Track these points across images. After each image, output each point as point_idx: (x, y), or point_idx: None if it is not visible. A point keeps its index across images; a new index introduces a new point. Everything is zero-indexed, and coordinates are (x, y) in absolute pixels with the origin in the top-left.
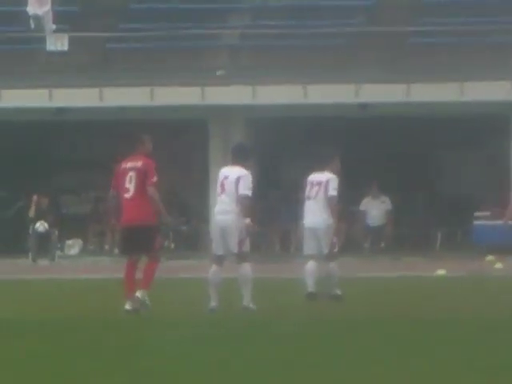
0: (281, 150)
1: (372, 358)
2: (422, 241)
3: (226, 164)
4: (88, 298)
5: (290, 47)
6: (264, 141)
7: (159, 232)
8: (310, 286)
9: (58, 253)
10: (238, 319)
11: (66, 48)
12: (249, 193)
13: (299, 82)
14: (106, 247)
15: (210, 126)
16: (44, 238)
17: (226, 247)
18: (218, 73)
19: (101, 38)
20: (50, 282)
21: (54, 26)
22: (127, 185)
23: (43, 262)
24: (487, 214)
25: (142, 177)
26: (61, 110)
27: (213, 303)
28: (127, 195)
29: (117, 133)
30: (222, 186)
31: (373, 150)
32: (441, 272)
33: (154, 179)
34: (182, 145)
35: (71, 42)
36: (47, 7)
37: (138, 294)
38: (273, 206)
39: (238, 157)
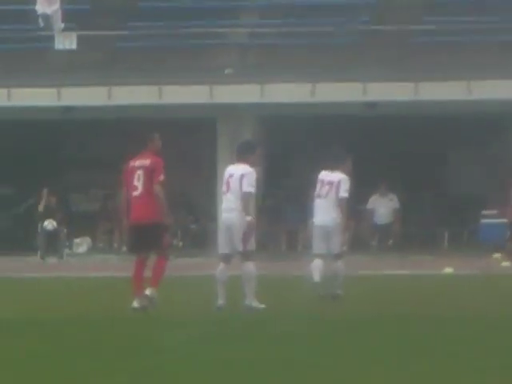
0: (289, 149)
1: (376, 357)
2: (429, 239)
3: (233, 162)
4: (95, 297)
5: (298, 46)
6: (272, 139)
7: (168, 230)
8: (316, 276)
9: (67, 251)
10: (242, 318)
11: (74, 47)
12: (251, 190)
13: (307, 81)
14: (115, 245)
15: (219, 125)
16: (52, 236)
17: (231, 245)
18: (227, 71)
19: (109, 37)
20: (58, 280)
21: (62, 25)
22: (136, 183)
23: (52, 260)
24: (494, 212)
25: (150, 175)
26: (69, 109)
27: (220, 301)
28: (136, 193)
29: (125, 131)
30: (228, 184)
31: (380, 149)
32: (448, 270)
33: (161, 177)
34: (190, 143)
35: (80, 40)
36: (56, 6)
37: (148, 291)
38: (280, 205)
39: (242, 153)
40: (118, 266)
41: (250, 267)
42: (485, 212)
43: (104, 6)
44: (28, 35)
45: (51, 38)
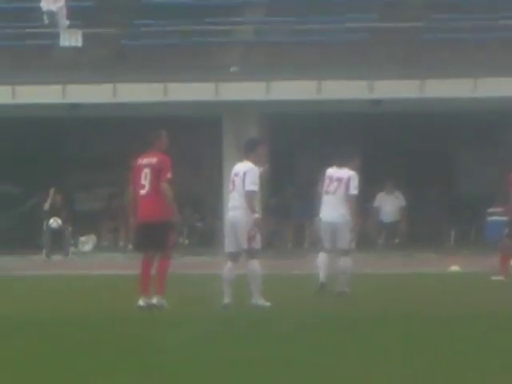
0: (294, 146)
1: (380, 356)
2: (435, 237)
3: (239, 160)
4: (99, 295)
5: (304, 43)
6: (277, 137)
7: (173, 229)
8: (322, 277)
9: (72, 249)
10: (248, 316)
11: (79, 44)
12: (254, 188)
13: (313, 78)
14: (120, 243)
15: (224, 122)
16: (58, 234)
17: (237, 243)
18: (232, 69)
19: (115, 34)
20: (63, 278)
21: (67, 22)
22: (143, 181)
23: (57, 258)
24: (501, 210)
25: (157, 173)
26: (74, 106)
27: (226, 300)
28: (143, 191)
29: (130, 129)
30: (233, 182)
31: (386, 146)
32: (454, 268)
33: (168, 175)
34: (195, 141)
35: (85, 37)
36: (61, 3)
37: (155, 300)
38: (286, 202)
39: (246, 151)
40: (123, 264)
41: (255, 265)
42: (491, 210)
43: (109, 4)
44: (33, 32)
45: (56, 36)
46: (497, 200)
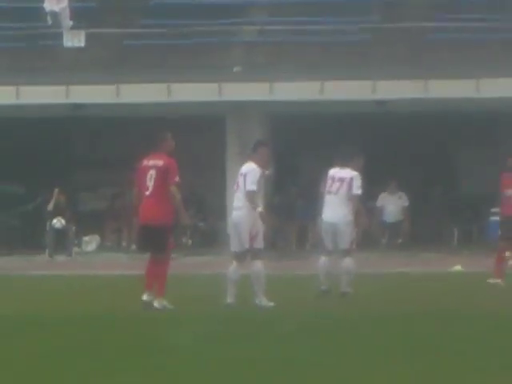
0: (298, 146)
1: (381, 356)
2: (438, 237)
3: (242, 160)
4: (102, 295)
5: (307, 43)
6: (280, 137)
7: (172, 233)
8: (323, 283)
9: (75, 249)
10: (250, 316)
11: (82, 44)
12: (253, 187)
13: (316, 79)
14: (123, 244)
15: (227, 123)
16: (61, 234)
17: (240, 243)
18: (235, 69)
19: (118, 35)
20: (66, 278)
21: (70, 23)
22: (148, 183)
23: (60, 258)
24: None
25: (163, 176)
26: (78, 107)
27: (229, 300)
28: (147, 193)
29: (134, 129)
30: (237, 183)
31: (389, 147)
32: (457, 268)
33: (177, 179)
34: (198, 141)
35: (89, 38)
36: (64, 3)
37: (156, 303)
38: (290, 202)
39: (251, 151)
40: (126, 264)
41: (259, 266)
42: (494, 210)
43: (112, 4)
44: (36, 33)
45: (59, 36)
46: (499, 200)
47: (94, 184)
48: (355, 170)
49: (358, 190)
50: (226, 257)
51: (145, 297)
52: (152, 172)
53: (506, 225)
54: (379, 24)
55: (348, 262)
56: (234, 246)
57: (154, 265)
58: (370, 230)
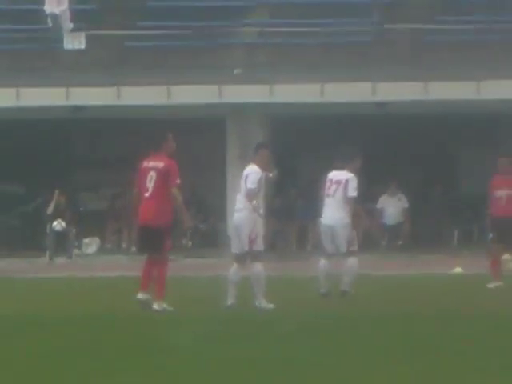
0: (298, 148)
1: (381, 356)
2: (438, 238)
3: (243, 162)
4: (102, 296)
5: (308, 45)
6: (281, 139)
7: (170, 235)
8: (323, 286)
9: (76, 251)
10: (250, 317)
11: (83, 46)
12: (252, 186)
13: (316, 80)
14: (124, 245)
15: (228, 124)
16: (61, 236)
17: (241, 245)
18: (235, 71)
19: (119, 36)
20: (66, 280)
21: (71, 25)
22: (148, 184)
23: (60, 261)
24: None
25: (163, 178)
26: (78, 109)
27: (230, 301)
28: (146, 194)
29: (134, 131)
30: (240, 185)
31: (389, 148)
32: (457, 270)
33: (178, 181)
34: (199, 143)
35: (89, 40)
36: (64, 6)
37: (156, 306)
38: (290, 204)
39: (253, 154)
40: (126, 266)
41: (259, 268)
42: None
43: (113, 6)
44: (37, 35)
45: (60, 38)
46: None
47: (94, 185)
48: (353, 171)
49: (353, 193)
50: (227, 258)
51: (140, 295)
52: (152, 173)
53: (497, 226)
54: (379, 25)
55: (351, 262)
56: (235, 248)
57: (151, 266)
58: (370, 232)
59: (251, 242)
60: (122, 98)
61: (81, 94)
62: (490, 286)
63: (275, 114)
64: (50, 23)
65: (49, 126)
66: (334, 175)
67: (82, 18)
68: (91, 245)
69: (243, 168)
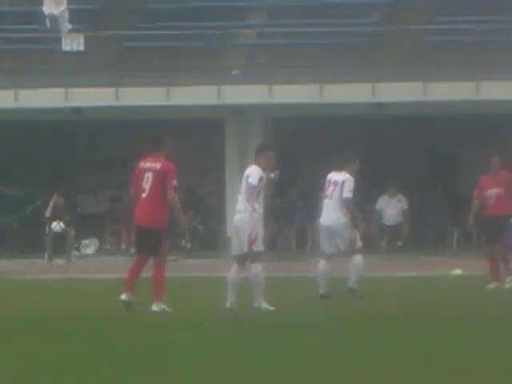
0: (297, 149)
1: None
2: (438, 239)
3: (242, 163)
4: (101, 298)
5: (307, 46)
6: (280, 139)
7: (167, 236)
8: (323, 287)
9: (75, 252)
10: (249, 319)
11: (81, 48)
12: (254, 182)
13: (316, 81)
14: (123, 246)
15: (227, 126)
16: (60, 237)
17: (241, 246)
18: (234, 72)
19: (118, 38)
20: (65, 281)
21: (69, 26)
22: (144, 185)
23: (59, 262)
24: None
25: (160, 179)
26: (77, 110)
27: (229, 302)
28: (143, 195)
29: (133, 132)
30: (241, 186)
31: (389, 149)
32: (457, 271)
33: (174, 183)
34: (198, 144)
35: (88, 41)
36: (63, 7)
37: (154, 307)
38: (290, 204)
39: (256, 154)
40: (125, 267)
41: (259, 269)
42: None
43: (111, 7)
44: (35, 36)
45: (59, 39)
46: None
47: (93, 187)
48: (351, 173)
49: (347, 194)
50: (226, 259)
51: (123, 296)
52: (149, 175)
53: (488, 226)
54: (379, 26)
55: (356, 260)
56: (235, 250)
57: (139, 267)
58: (369, 233)
59: (251, 242)
60: (120, 100)
61: (80, 96)
62: (490, 287)
63: (274, 115)
64: (48, 24)
65: (48, 127)
66: (333, 176)
67: (81, 19)
68: (90, 246)
69: (242, 169)
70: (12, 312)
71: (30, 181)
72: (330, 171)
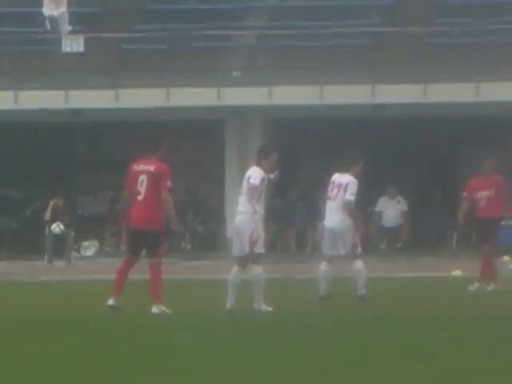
0: (297, 151)
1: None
2: (437, 241)
3: (242, 164)
4: (100, 300)
5: (307, 48)
6: (280, 141)
7: (165, 238)
8: (323, 289)
9: (74, 254)
10: (249, 320)
11: (81, 49)
12: (255, 182)
13: (316, 83)
14: (122, 248)
15: (226, 127)
16: (60, 239)
17: (242, 248)
18: (234, 74)
19: (117, 39)
20: (65, 283)
21: (69, 27)
22: (139, 188)
23: (59, 264)
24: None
25: (155, 181)
26: (77, 111)
27: (229, 304)
28: (139, 197)
29: (132, 133)
30: (242, 187)
31: (389, 151)
32: (456, 273)
33: (169, 184)
34: (198, 145)
35: (88, 42)
36: (63, 8)
37: (154, 309)
38: (290, 206)
39: (259, 156)
40: None
41: (259, 271)
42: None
43: (111, 9)
44: (35, 38)
45: (58, 41)
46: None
47: (93, 188)
48: (355, 175)
49: (350, 196)
50: (226, 261)
51: (110, 301)
52: (143, 177)
53: (479, 228)
54: (379, 28)
55: (358, 266)
56: (236, 251)
57: (127, 270)
58: (368, 235)
59: (252, 244)
60: (120, 101)
61: (80, 97)
62: (489, 288)
63: (274, 117)
64: (48, 26)
65: (47, 128)
66: (337, 178)
67: (80, 21)
68: (90, 247)
69: (242, 170)
70: (12, 312)
71: (30, 182)
72: (333, 172)
